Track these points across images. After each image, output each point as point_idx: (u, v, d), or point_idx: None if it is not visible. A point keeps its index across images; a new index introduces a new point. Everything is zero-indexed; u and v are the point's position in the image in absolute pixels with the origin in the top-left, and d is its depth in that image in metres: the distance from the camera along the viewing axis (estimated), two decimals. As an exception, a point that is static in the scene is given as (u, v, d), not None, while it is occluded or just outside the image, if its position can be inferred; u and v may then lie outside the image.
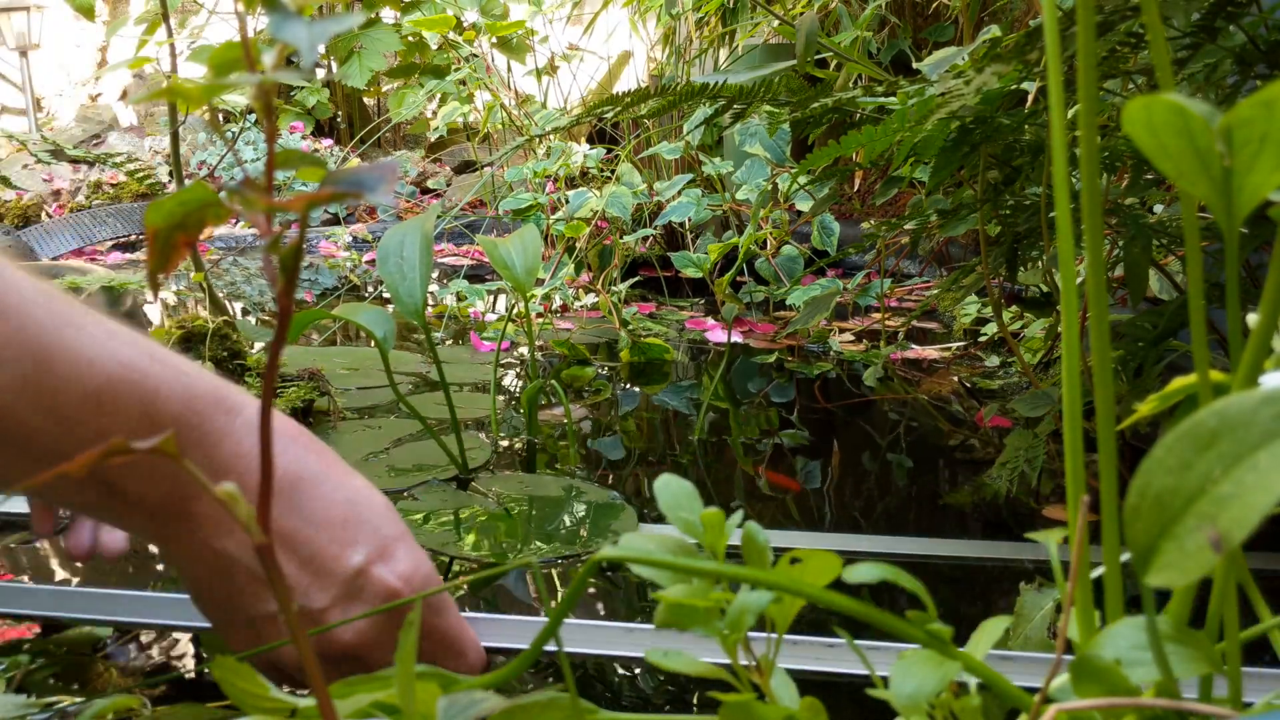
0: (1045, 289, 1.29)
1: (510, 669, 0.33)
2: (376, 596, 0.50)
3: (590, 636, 0.65)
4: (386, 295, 2.33)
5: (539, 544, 1.00)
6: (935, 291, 1.55)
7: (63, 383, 0.44)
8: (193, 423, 0.48)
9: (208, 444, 0.49)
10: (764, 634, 0.37)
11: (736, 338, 1.88)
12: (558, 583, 0.93)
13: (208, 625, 0.53)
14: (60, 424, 0.44)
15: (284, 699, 0.33)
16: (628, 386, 1.59)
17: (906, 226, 1.28)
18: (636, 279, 2.14)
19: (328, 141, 4.06)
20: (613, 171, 2.26)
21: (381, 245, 1.15)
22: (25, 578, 0.89)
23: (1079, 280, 0.75)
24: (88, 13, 1.94)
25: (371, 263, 2.77)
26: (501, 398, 1.51)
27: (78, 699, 0.65)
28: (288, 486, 0.51)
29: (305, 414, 1.33)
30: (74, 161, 3.66)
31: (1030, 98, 1.12)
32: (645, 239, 2.20)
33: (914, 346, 1.82)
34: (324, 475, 0.52)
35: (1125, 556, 0.29)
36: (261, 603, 0.48)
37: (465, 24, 3.00)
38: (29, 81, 4.69)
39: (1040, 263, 1.23)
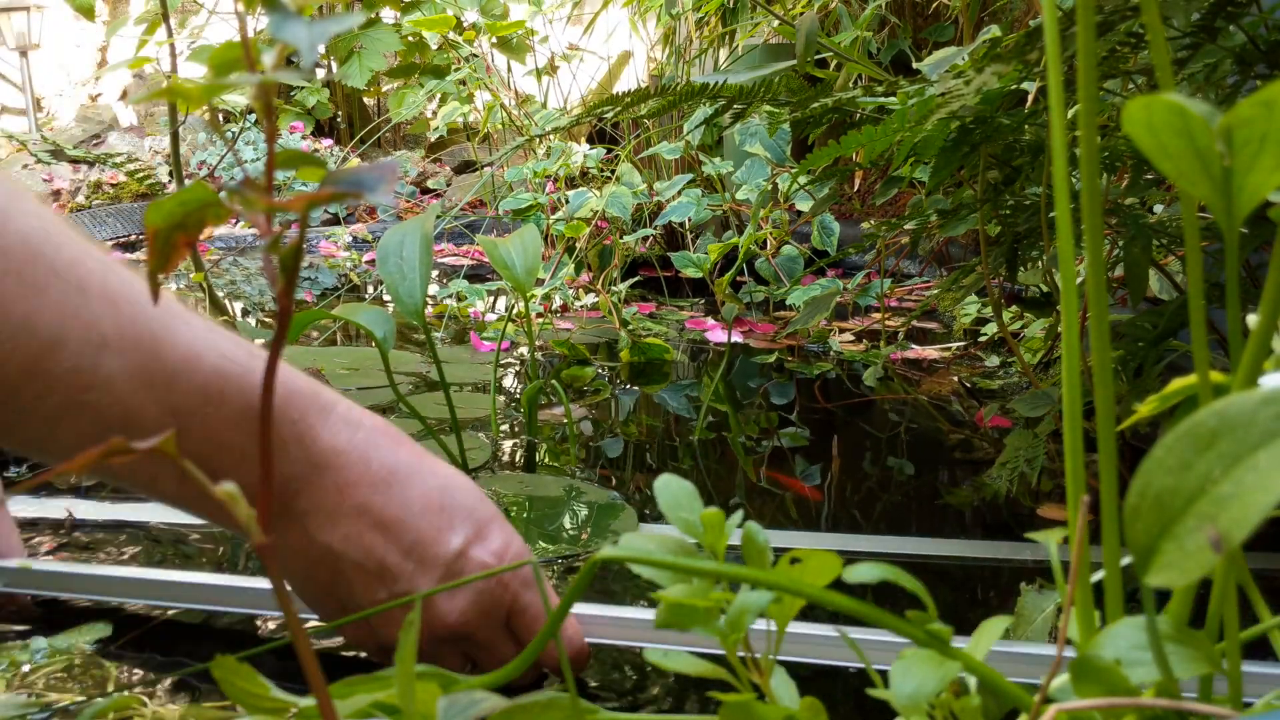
0: (1045, 289, 1.29)
1: (510, 669, 0.33)
2: (474, 573, 0.52)
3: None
4: (387, 295, 2.33)
5: (543, 544, 1.00)
6: (935, 291, 1.55)
7: (173, 373, 0.45)
8: (292, 417, 0.50)
9: (306, 440, 0.50)
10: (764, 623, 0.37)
11: (736, 338, 1.88)
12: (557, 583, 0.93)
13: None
14: (170, 413, 0.44)
15: (284, 698, 0.33)
16: (628, 386, 1.59)
17: (906, 226, 1.28)
18: (636, 279, 2.14)
19: (328, 141, 4.06)
20: (613, 171, 2.26)
21: (381, 245, 1.15)
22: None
23: (1079, 280, 0.75)
24: (88, 13, 1.94)
25: (371, 263, 2.77)
26: (501, 398, 1.51)
27: (78, 698, 0.65)
28: (385, 478, 0.52)
29: (305, 414, 1.33)
30: (74, 161, 3.66)
31: (1030, 98, 1.13)
32: (645, 239, 2.20)
33: (914, 346, 1.82)
34: (416, 465, 0.53)
35: (1126, 560, 0.29)
36: (370, 592, 0.49)
37: (465, 24, 3.00)
38: (29, 81, 4.69)
39: (1040, 263, 1.23)
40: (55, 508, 1.01)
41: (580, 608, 0.61)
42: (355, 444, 0.52)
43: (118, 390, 0.43)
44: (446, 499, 0.53)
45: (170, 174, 3.54)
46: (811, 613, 0.67)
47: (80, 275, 0.43)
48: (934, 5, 2.84)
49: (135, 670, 0.72)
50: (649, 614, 0.63)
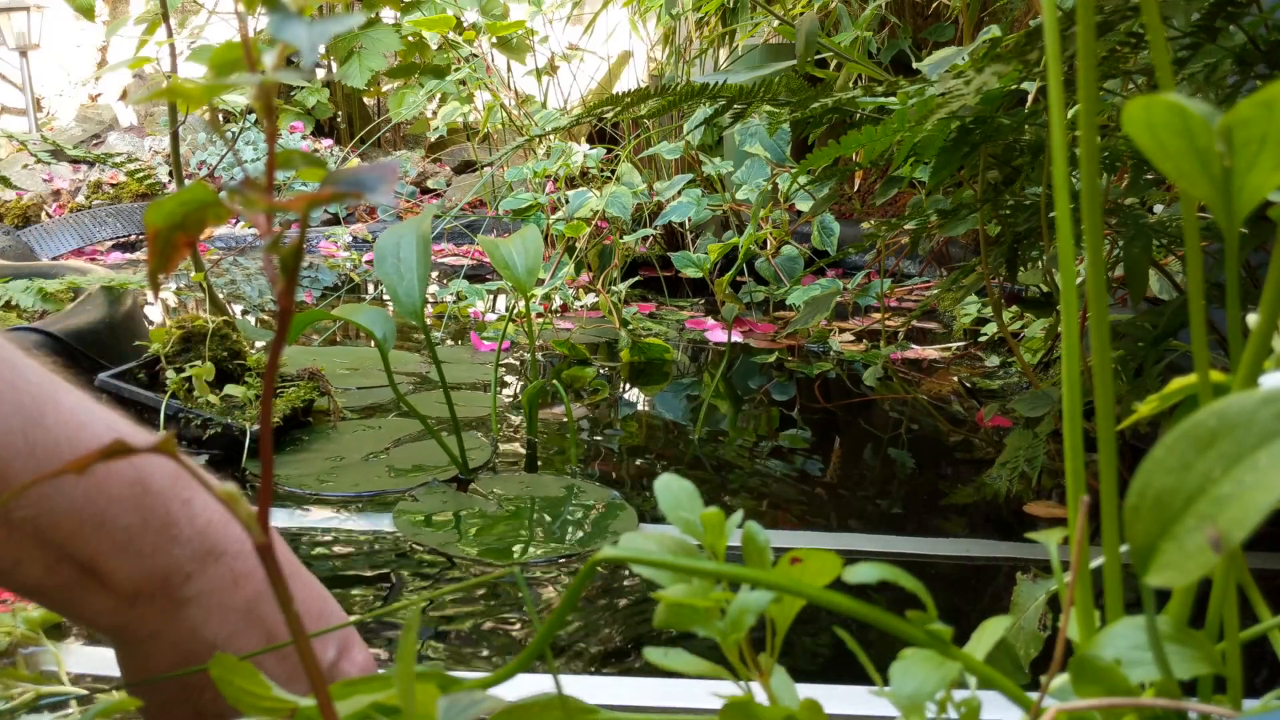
0: (1045, 289, 1.29)
1: (509, 669, 0.33)
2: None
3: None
4: (386, 295, 2.33)
5: (551, 544, 1.00)
6: (935, 291, 1.55)
7: (56, 441, 0.42)
8: (183, 497, 0.46)
9: (200, 521, 0.46)
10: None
11: (736, 338, 1.88)
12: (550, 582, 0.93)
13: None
14: (49, 484, 0.42)
15: (284, 698, 0.33)
16: (628, 386, 1.59)
17: (906, 226, 1.28)
18: (636, 279, 2.14)
19: (328, 141, 4.06)
20: (613, 171, 2.26)
21: (378, 246, 1.15)
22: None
23: (1079, 280, 0.75)
24: (88, 13, 1.94)
25: (371, 263, 2.77)
26: (502, 398, 1.51)
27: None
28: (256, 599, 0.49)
29: (305, 414, 1.33)
30: (74, 161, 3.66)
31: (1030, 98, 1.12)
32: (645, 239, 2.20)
33: (914, 346, 1.82)
34: (298, 567, 0.51)
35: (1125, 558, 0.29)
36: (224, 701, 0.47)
37: (465, 24, 3.00)
38: (29, 81, 4.69)
39: (1040, 263, 1.23)
40: None
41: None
42: (244, 538, 0.48)
43: None
44: (324, 608, 0.51)
45: (170, 174, 3.54)
46: (812, 613, 0.67)
47: None
48: (934, 5, 2.84)
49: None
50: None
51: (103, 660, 0.75)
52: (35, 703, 0.65)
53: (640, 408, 1.49)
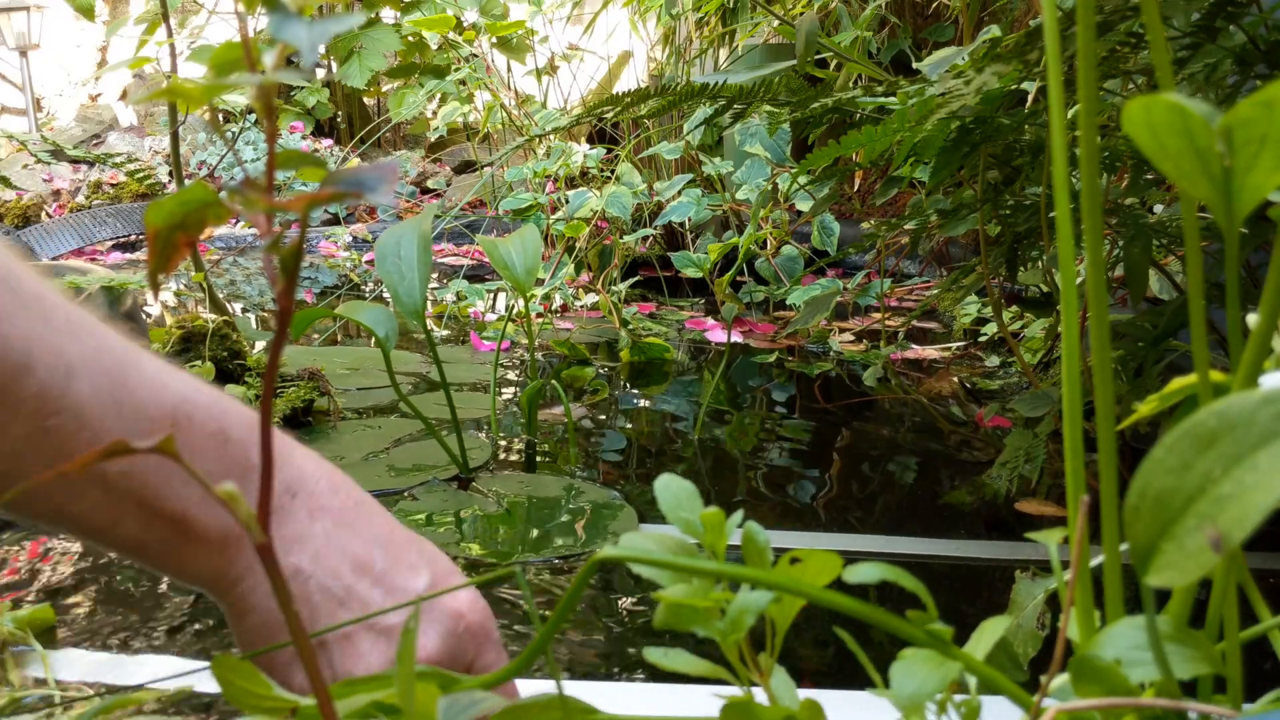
0: (1045, 289, 1.29)
1: (510, 668, 0.33)
2: (444, 617, 0.51)
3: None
4: (387, 295, 2.33)
5: (551, 543, 1.00)
6: (935, 291, 1.55)
7: (141, 400, 0.44)
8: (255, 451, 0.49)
9: (275, 464, 0.48)
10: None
11: (736, 337, 1.88)
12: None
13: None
14: (139, 439, 0.43)
15: (285, 697, 0.33)
16: (628, 386, 1.59)
17: (906, 226, 1.28)
18: (636, 279, 2.14)
19: (328, 141, 4.06)
20: (613, 171, 2.26)
21: (379, 246, 1.15)
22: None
23: (1079, 280, 0.75)
24: (88, 13, 1.94)
25: (371, 262, 2.77)
26: (502, 397, 1.51)
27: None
28: (352, 509, 0.51)
29: (305, 414, 1.33)
30: (74, 161, 3.66)
31: (1030, 98, 1.13)
32: (645, 239, 2.20)
33: (914, 346, 1.82)
34: (377, 505, 0.53)
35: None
36: (333, 618, 0.48)
37: (465, 24, 3.00)
38: (29, 81, 4.69)
39: (1040, 263, 1.23)
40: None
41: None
42: (323, 473, 0.51)
43: (85, 415, 0.42)
44: (411, 538, 0.52)
45: (170, 174, 3.54)
46: (812, 612, 0.67)
47: (44, 307, 0.43)
48: (934, 5, 2.84)
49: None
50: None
51: (92, 665, 0.75)
52: (15, 705, 0.65)
53: (640, 408, 1.49)
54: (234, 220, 0.64)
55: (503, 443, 1.31)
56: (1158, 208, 1.23)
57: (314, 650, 0.28)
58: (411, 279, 1.12)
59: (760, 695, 0.35)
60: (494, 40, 3.20)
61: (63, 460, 0.42)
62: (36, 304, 0.43)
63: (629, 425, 1.40)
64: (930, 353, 1.78)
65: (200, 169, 3.68)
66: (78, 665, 0.74)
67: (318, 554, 0.48)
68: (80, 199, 3.52)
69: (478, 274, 2.51)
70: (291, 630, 0.27)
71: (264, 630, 0.48)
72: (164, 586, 0.90)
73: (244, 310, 2.30)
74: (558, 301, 2.11)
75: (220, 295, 1.48)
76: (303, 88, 4.06)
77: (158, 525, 0.45)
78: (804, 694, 0.36)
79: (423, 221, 1.16)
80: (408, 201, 3.57)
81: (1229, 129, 0.24)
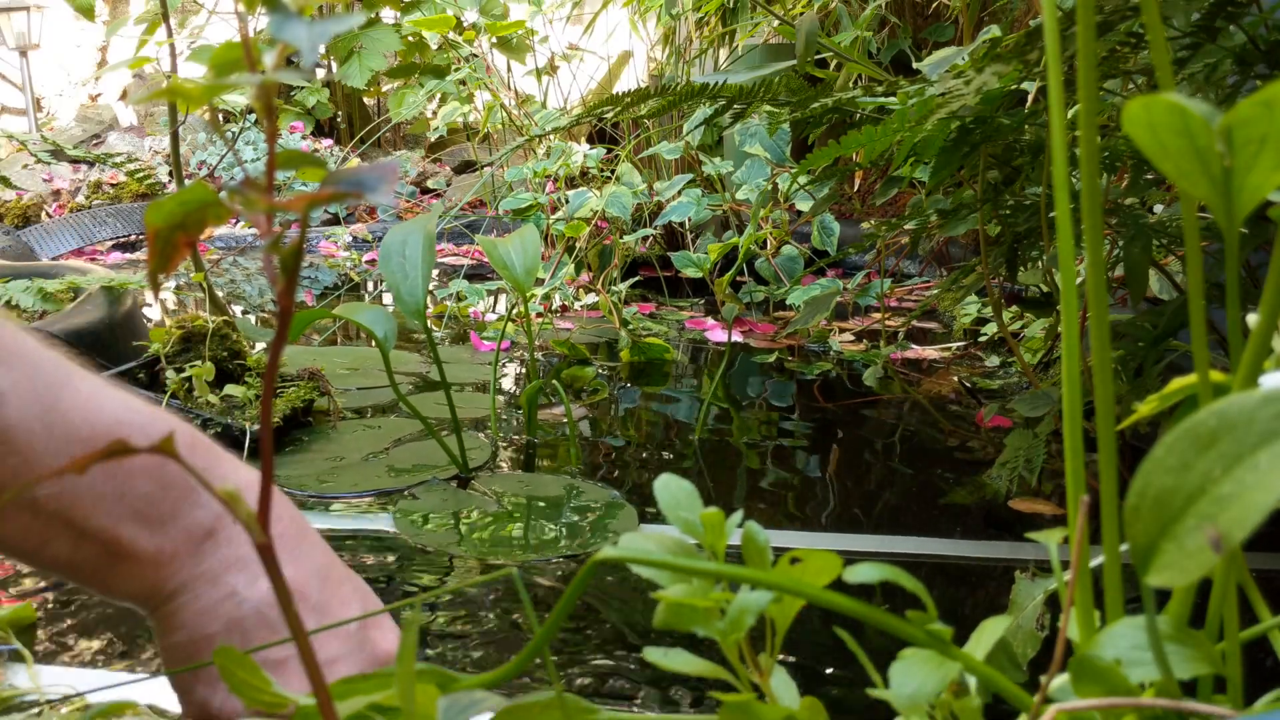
0: (1045, 289, 1.29)
1: (510, 668, 0.33)
2: (375, 658, 0.51)
3: None
4: (387, 295, 2.33)
5: (551, 543, 1.00)
6: (935, 291, 1.55)
7: (73, 423, 0.44)
8: (198, 465, 0.48)
9: (216, 485, 0.48)
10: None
11: (736, 337, 1.88)
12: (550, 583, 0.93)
13: None
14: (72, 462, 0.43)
15: (285, 694, 0.33)
16: (628, 386, 1.59)
17: (906, 226, 1.28)
18: (636, 279, 2.14)
19: (328, 141, 4.06)
20: (613, 171, 2.26)
21: (384, 244, 1.15)
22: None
23: (1079, 280, 0.75)
24: (88, 13, 1.94)
25: (371, 262, 2.77)
26: (501, 397, 1.51)
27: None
28: (294, 537, 0.51)
29: (305, 414, 1.33)
30: (74, 161, 3.66)
31: (1030, 98, 1.12)
32: (645, 239, 2.20)
33: (914, 346, 1.82)
34: (312, 532, 0.52)
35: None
36: (273, 652, 0.47)
37: (465, 24, 3.00)
38: (29, 81, 4.69)
39: (1040, 263, 1.23)
40: None
41: None
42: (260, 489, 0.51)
43: (14, 440, 0.42)
44: (348, 575, 0.52)
45: (170, 174, 3.54)
46: (812, 612, 0.67)
47: None
48: (934, 5, 2.84)
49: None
50: None
51: (76, 664, 0.75)
52: (5, 704, 0.65)
53: (640, 407, 1.49)
54: (234, 220, 0.64)
55: (503, 443, 1.31)
56: (1158, 208, 1.23)
57: (314, 651, 0.28)
58: (414, 278, 1.12)
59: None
60: (494, 40, 3.20)
61: None
62: None
63: (629, 425, 1.40)
64: (930, 353, 1.78)
65: (200, 169, 3.68)
66: (60, 667, 0.74)
67: (255, 578, 0.48)
68: (80, 199, 3.52)
69: (478, 274, 2.51)
70: (292, 629, 0.27)
71: (190, 648, 0.48)
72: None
73: (244, 311, 2.30)
74: (557, 301, 2.11)
75: (220, 295, 1.48)
76: (303, 88, 4.06)
77: (87, 546, 0.45)
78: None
79: (428, 221, 1.16)
80: (408, 201, 3.57)
81: (1229, 129, 0.24)
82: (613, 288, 2.02)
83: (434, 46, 3.46)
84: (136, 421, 0.46)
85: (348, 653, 0.50)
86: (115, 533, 0.45)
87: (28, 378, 0.44)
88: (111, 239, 3.14)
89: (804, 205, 2.09)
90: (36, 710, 0.64)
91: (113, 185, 3.56)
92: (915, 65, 1.02)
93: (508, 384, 1.62)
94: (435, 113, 3.91)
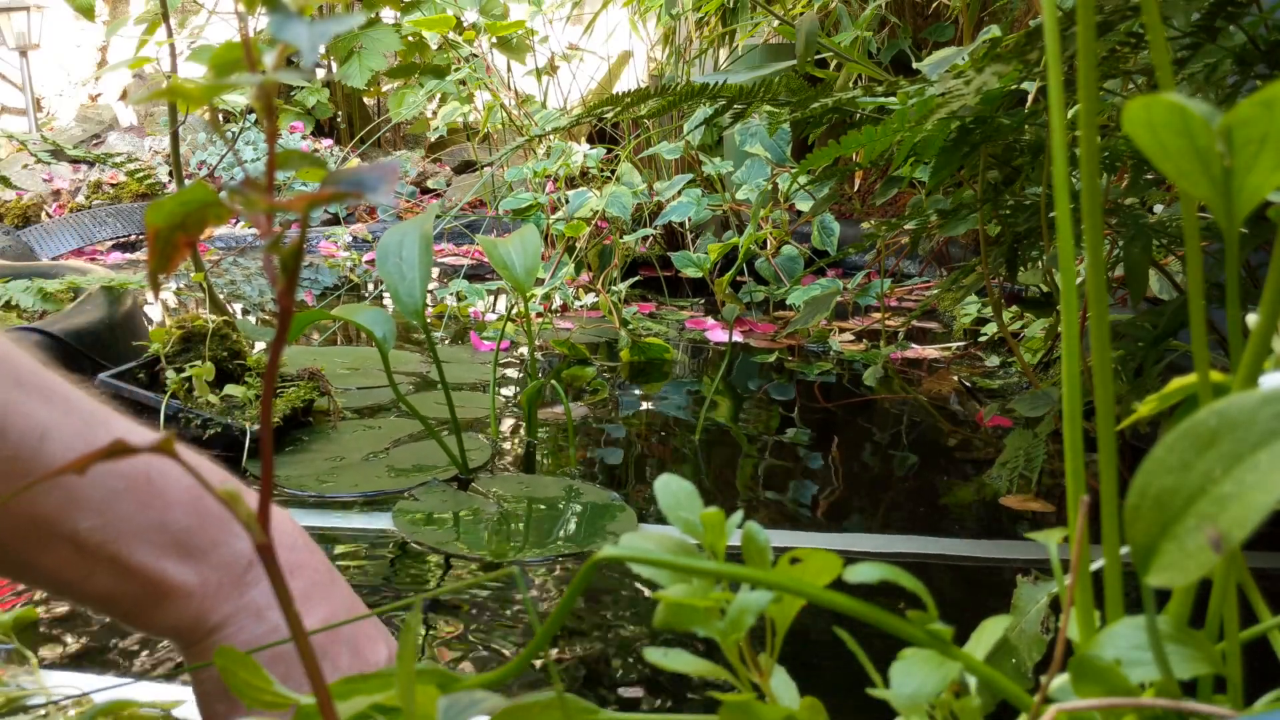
0: (1045, 289, 1.29)
1: (510, 667, 0.33)
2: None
3: None
4: (387, 295, 2.33)
5: (550, 543, 1.00)
6: (935, 291, 1.55)
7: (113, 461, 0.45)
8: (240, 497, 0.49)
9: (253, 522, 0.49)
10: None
11: (736, 337, 1.88)
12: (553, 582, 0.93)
13: None
14: (111, 496, 0.44)
15: (286, 694, 0.33)
16: (627, 385, 1.59)
17: (906, 226, 1.28)
18: (636, 279, 2.14)
19: (328, 141, 4.06)
20: (613, 171, 2.26)
21: (380, 245, 1.15)
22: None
23: (1079, 280, 0.75)
24: (88, 13, 1.94)
25: (371, 263, 2.77)
26: (501, 398, 1.51)
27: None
28: (325, 572, 0.51)
29: (305, 414, 1.33)
30: (74, 161, 3.66)
31: (1030, 98, 1.12)
32: (645, 239, 2.20)
33: (914, 346, 1.82)
34: (341, 576, 0.53)
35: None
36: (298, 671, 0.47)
37: (465, 24, 3.00)
38: (29, 81, 4.69)
39: (1040, 263, 1.23)
40: None
41: None
42: (296, 530, 0.51)
43: (59, 477, 0.43)
44: (366, 610, 0.53)
45: (170, 174, 3.54)
46: (812, 612, 0.67)
47: (16, 371, 0.44)
48: (934, 5, 2.84)
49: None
50: None
51: (78, 662, 0.75)
52: (11, 705, 0.65)
53: (640, 408, 1.49)
54: (234, 220, 0.64)
55: (502, 443, 1.31)
56: (1158, 208, 1.23)
57: (315, 659, 0.28)
58: (412, 279, 1.12)
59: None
60: (494, 40, 3.20)
61: (35, 520, 0.43)
62: (8, 368, 0.43)
63: (629, 425, 1.40)
64: (930, 353, 1.78)
65: (200, 169, 3.68)
66: (64, 667, 0.74)
67: (293, 613, 0.48)
68: (80, 199, 3.52)
69: (478, 274, 2.51)
70: (296, 634, 0.27)
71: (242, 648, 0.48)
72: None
73: (244, 310, 2.30)
74: (557, 301, 2.11)
75: (220, 295, 1.48)
76: (303, 88, 4.06)
77: (130, 580, 0.45)
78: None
79: (424, 222, 1.16)
80: (408, 201, 3.57)
81: (1229, 129, 0.24)
82: (613, 288, 2.02)
83: (434, 46, 3.47)
84: (170, 461, 0.47)
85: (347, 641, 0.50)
86: (159, 566, 0.45)
87: (65, 414, 0.45)
88: (111, 239, 3.14)
89: (804, 205, 2.09)
90: (43, 712, 0.64)
91: (113, 185, 3.56)
92: (915, 65, 1.02)
93: (507, 384, 1.62)
94: (435, 113, 3.91)
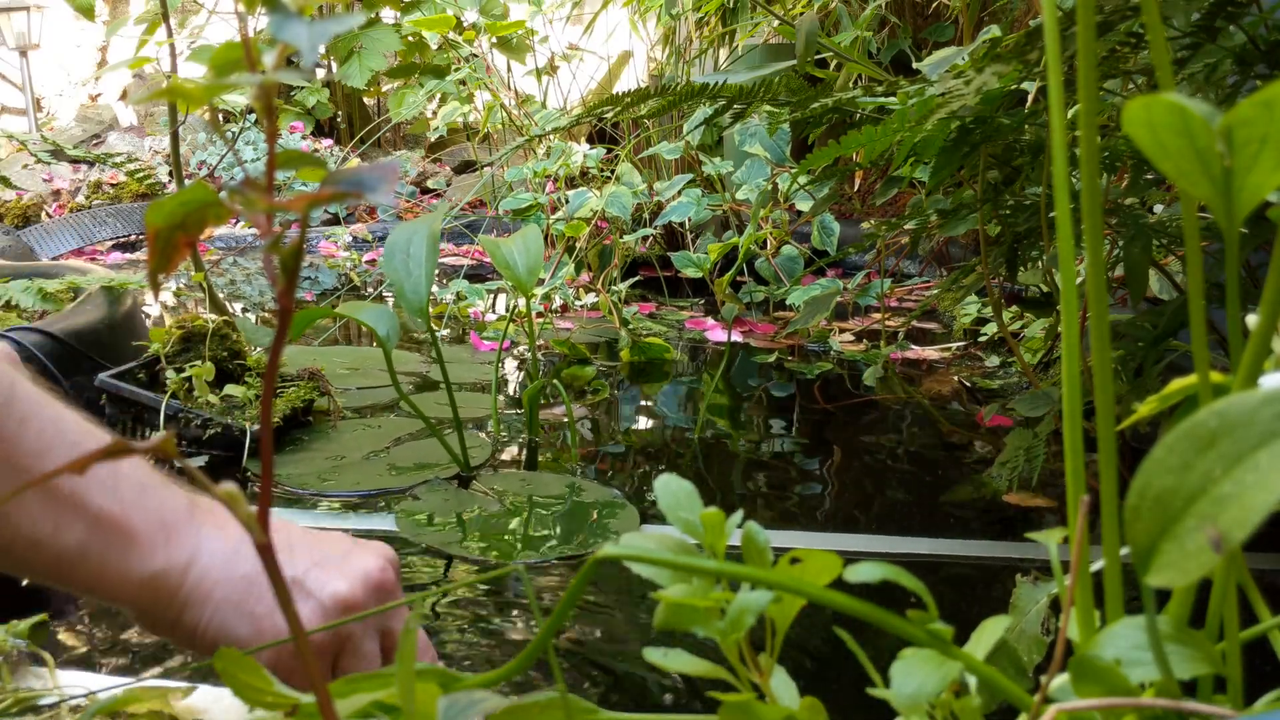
0: (1045, 289, 1.29)
1: (510, 667, 0.33)
2: (356, 572, 0.54)
3: None
4: (387, 295, 2.33)
5: (551, 543, 1.00)
6: (935, 291, 1.55)
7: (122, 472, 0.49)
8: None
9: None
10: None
11: (736, 337, 1.88)
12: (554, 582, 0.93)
13: None
14: (74, 449, 0.48)
15: (286, 694, 0.33)
16: (628, 386, 1.59)
17: (906, 226, 1.28)
18: (636, 279, 2.14)
19: (328, 141, 4.06)
20: (613, 171, 2.26)
21: (389, 242, 1.15)
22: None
23: (1079, 280, 0.75)
24: (88, 13, 1.94)
25: (371, 263, 2.77)
26: (502, 397, 1.51)
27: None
28: (302, 532, 0.56)
29: (305, 413, 1.33)
30: (74, 161, 3.66)
31: (1030, 98, 1.12)
32: (645, 239, 2.20)
33: (914, 346, 1.82)
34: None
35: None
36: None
37: (465, 24, 3.00)
38: (29, 81, 4.68)
39: (1040, 263, 1.23)
40: None
41: None
42: (279, 521, 0.56)
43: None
44: (348, 540, 0.57)
45: (170, 174, 3.54)
46: (812, 612, 0.67)
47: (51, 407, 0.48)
48: (934, 5, 2.84)
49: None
50: None
51: (89, 661, 0.75)
52: (22, 704, 0.65)
53: (640, 407, 1.49)
54: (234, 220, 0.64)
55: (503, 442, 1.31)
56: (1158, 208, 1.23)
57: (311, 652, 0.28)
58: (418, 276, 1.12)
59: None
60: (494, 40, 3.20)
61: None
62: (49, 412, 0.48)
63: (629, 425, 1.40)
64: (930, 353, 1.78)
65: (200, 169, 3.68)
66: (74, 666, 0.74)
67: (292, 547, 0.53)
68: (80, 199, 3.52)
69: (478, 274, 2.51)
70: (296, 634, 0.27)
71: (228, 587, 0.50)
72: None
73: (244, 310, 2.30)
74: (558, 301, 2.11)
75: (220, 295, 1.48)
76: (303, 88, 4.06)
77: (101, 528, 0.47)
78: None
79: (434, 221, 1.16)
80: (408, 201, 3.57)
81: (1229, 129, 0.24)
82: (613, 288, 2.02)
83: (434, 46, 3.46)
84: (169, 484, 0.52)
85: (325, 560, 0.53)
86: (123, 513, 0.48)
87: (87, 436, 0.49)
88: (111, 239, 3.14)
89: (804, 205, 2.09)
90: (54, 712, 0.64)
91: (113, 185, 3.56)
92: (915, 65, 1.02)
93: (508, 384, 1.62)
94: (435, 113, 3.91)
